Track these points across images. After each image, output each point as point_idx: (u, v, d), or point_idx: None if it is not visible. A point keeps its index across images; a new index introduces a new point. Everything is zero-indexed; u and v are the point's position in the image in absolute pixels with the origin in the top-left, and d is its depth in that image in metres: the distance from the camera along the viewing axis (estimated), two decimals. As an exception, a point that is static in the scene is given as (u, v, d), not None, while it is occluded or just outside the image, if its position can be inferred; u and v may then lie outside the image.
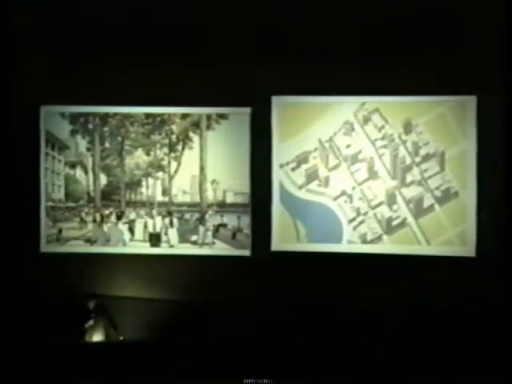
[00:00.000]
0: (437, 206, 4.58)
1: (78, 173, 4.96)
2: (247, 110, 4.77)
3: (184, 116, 4.88)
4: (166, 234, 4.91)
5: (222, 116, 4.83)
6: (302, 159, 4.74)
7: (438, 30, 4.31)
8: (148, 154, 4.92)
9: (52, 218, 4.95)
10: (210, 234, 4.87)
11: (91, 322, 4.55)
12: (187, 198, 4.90)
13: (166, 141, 4.90)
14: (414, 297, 4.44)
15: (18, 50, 4.73)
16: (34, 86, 4.79)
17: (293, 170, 4.75)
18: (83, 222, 4.94)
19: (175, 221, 4.90)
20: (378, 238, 4.66)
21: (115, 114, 4.90)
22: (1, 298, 4.69)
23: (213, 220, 4.87)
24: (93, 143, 4.94)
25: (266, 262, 4.71)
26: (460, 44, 4.35)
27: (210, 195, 4.87)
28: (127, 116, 4.89)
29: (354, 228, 4.70)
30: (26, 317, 4.65)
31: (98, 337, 4.58)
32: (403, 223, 4.63)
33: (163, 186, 4.93)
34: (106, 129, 4.92)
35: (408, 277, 4.50)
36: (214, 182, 4.85)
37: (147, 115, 4.89)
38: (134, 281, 4.80)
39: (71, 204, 4.95)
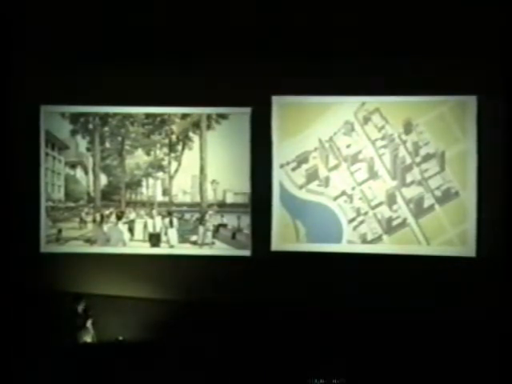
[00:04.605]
0: (437, 206, 4.57)
1: (78, 173, 4.96)
2: (247, 110, 4.76)
3: (184, 116, 4.87)
4: (165, 234, 4.90)
5: (222, 116, 4.83)
6: (302, 159, 4.74)
7: (438, 31, 4.31)
8: (148, 154, 4.92)
9: (52, 218, 4.94)
10: (209, 234, 4.86)
11: (89, 322, 4.54)
12: (187, 198, 4.89)
13: (166, 141, 4.90)
14: (413, 297, 4.43)
15: (18, 51, 4.73)
16: (34, 86, 4.78)
17: (293, 169, 4.75)
18: (83, 222, 4.94)
19: (175, 221, 4.90)
20: (378, 238, 4.66)
21: (115, 114, 4.90)
22: (0, 298, 4.70)
23: (213, 220, 4.86)
24: (93, 143, 4.94)
25: (266, 261, 4.70)
26: (460, 44, 4.34)
27: (210, 195, 4.86)
28: (127, 116, 4.89)
29: (354, 228, 4.69)
30: (26, 317, 4.64)
31: (96, 336, 4.57)
32: (403, 223, 4.63)
33: (163, 186, 4.93)
34: (106, 129, 4.92)
35: (408, 277, 4.49)
36: (214, 181, 4.84)
37: (147, 115, 4.88)
38: (133, 281, 4.79)
39: (71, 204, 4.95)
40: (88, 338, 4.52)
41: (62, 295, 4.72)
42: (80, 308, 4.52)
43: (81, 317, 4.51)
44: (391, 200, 4.64)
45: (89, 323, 4.53)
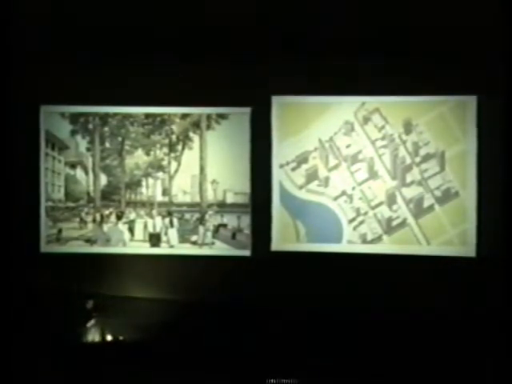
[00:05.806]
0: (437, 206, 4.57)
1: (78, 173, 4.96)
2: (247, 110, 4.77)
3: (184, 116, 4.88)
4: (165, 234, 4.91)
5: (222, 116, 4.83)
6: (302, 159, 4.74)
7: (437, 30, 4.31)
8: (148, 154, 4.92)
9: (52, 218, 4.94)
10: (209, 234, 4.87)
11: (91, 322, 4.55)
12: (187, 198, 4.89)
13: (166, 141, 4.90)
14: (413, 297, 4.44)
15: (18, 51, 4.73)
16: (34, 86, 4.78)
17: (293, 170, 4.75)
18: (83, 222, 4.94)
19: (175, 221, 4.90)
20: (378, 238, 4.66)
21: (115, 114, 4.90)
22: (1, 298, 4.70)
23: (213, 220, 4.87)
24: (93, 143, 4.94)
25: (266, 261, 4.71)
26: (460, 44, 4.34)
27: (210, 195, 4.86)
28: (127, 116, 4.89)
29: (354, 228, 4.69)
30: (26, 317, 4.65)
31: (97, 337, 4.58)
32: (403, 223, 4.63)
33: (163, 186, 4.93)
34: (106, 129, 4.92)
35: (408, 277, 4.50)
36: (214, 181, 4.85)
37: (147, 115, 4.89)
38: (133, 281, 4.79)
39: (71, 204, 4.95)
40: (97, 337, 4.53)
41: (62, 295, 4.72)
42: (87, 307, 4.53)
43: (84, 316, 4.52)
44: (391, 200, 4.65)
45: (92, 323, 4.54)
